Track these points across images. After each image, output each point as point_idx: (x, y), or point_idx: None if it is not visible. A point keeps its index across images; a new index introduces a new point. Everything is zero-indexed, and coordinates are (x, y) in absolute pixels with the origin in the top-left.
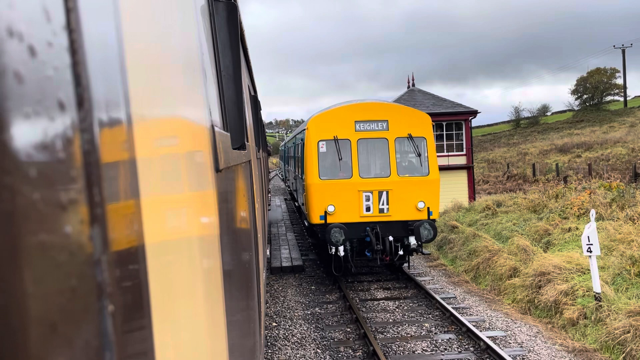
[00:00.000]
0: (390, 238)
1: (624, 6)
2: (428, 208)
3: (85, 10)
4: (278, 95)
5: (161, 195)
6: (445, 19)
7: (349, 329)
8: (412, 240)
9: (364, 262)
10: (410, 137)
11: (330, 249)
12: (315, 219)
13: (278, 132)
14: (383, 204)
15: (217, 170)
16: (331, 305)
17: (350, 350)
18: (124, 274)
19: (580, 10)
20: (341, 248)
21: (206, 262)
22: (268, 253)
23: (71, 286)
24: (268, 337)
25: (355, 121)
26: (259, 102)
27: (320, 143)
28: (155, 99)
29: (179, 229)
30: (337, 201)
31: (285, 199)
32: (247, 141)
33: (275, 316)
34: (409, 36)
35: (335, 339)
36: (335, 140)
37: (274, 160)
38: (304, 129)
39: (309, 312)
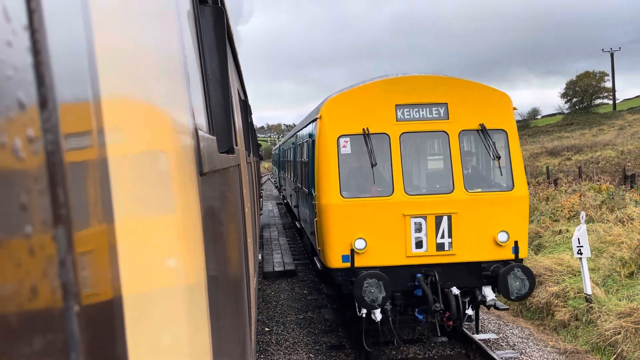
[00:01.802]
0: (456, 291)
1: (611, 10)
2: (516, 243)
3: (51, 10)
4: (269, 100)
5: (136, 197)
6: (431, 23)
7: None
8: (489, 292)
9: (408, 319)
10: (483, 130)
11: (360, 309)
12: (335, 261)
13: (270, 137)
14: (443, 236)
15: (201, 173)
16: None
17: None
18: (94, 275)
19: (566, 14)
20: (378, 310)
21: (188, 265)
22: (260, 258)
23: (32, 286)
24: (260, 343)
25: (396, 105)
26: (249, 106)
27: (342, 140)
28: (130, 101)
29: (155, 231)
30: (370, 232)
31: (278, 204)
32: (236, 145)
33: (267, 321)
34: (396, 40)
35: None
36: (366, 135)
37: (266, 164)
38: (314, 120)
39: (301, 317)
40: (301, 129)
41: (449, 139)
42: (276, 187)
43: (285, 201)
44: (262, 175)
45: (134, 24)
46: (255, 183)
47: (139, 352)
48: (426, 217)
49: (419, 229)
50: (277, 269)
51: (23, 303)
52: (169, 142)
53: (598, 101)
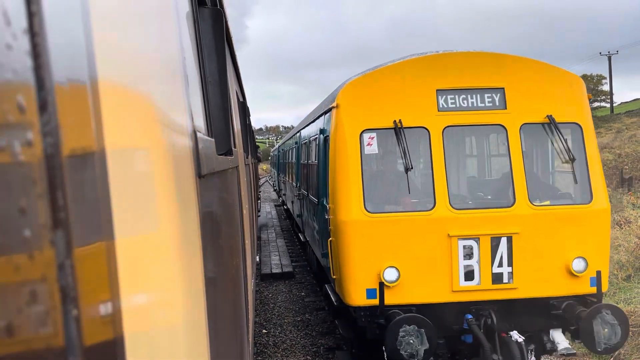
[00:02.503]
0: (518, 337)
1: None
2: (598, 273)
3: (51, 14)
4: (267, 102)
5: (135, 199)
6: (428, 26)
7: None
8: (560, 338)
9: None
10: (552, 124)
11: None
12: (357, 297)
13: (268, 139)
14: (501, 265)
15: (200, 175)
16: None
17: None
18: (93, 278)
19: (564, 17)
20: None
21: (186, 266)
22: (258, 259)
23: (31, 290)
24: (258, 345)
25: (437, 91)
26: (247, 108)
27: (366, 136)
28: (129, 103)
29: (154, 233)
30: (404, 259)
31: (276, 205)
32: (234, 147)
33: (265, 323)
34: (393, 43)
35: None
36: (399, 129)
37: (264, 166)
38: (327, 111)
39: (298, 319)
40: (307, 125)
41: (508, 134)
42: (275, 190)
43: (285, 207)
44: (260, 177)
45: (133, 27)
46: (253, 185)
47: (137, 354)
48: (479, 238)
49: (469, 255)
50: (274, 270)
51: (22, 306)
52: (168, 144)
53: (596, 104)
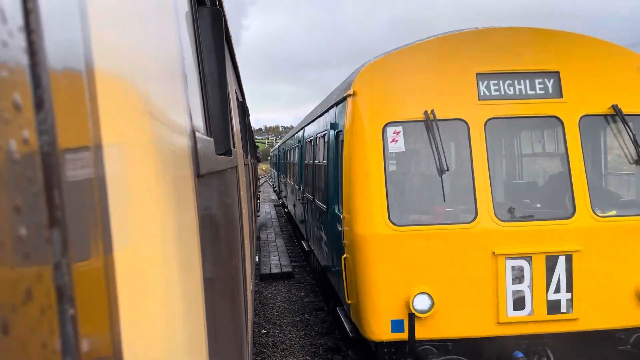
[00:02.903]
0: None
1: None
2: None
3: (48, 11)
4: (267, 102)
5: (133, 199)
6: (428, 26)
7: None
8: None
9: None
10: (618, 115)
11: None
12: (380, 330)
13: (267, 139)
14: (559, 290)
15: (199, 175)
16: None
17: None
18: (89, 278)
19: (563, 17)
20: None
21: (185, 266)
22: (257, 259)
23: (27, 289)
24: (257, 345)
25: (477, 75)
26: (247, 108)
27: (391, 131)
28: (127, 102)
29: (152, 232)
30: (439, 283)
31: (275, 205)
32: (234, 147)
33: (264, 323)
34: (394, 43)
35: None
36: (431, 122)
37: (263, 166)
38: (339, 102)
39: (298, 319)
40: (313, 120)
41: (564, 128)
42: (274, 191)
43: (286, 210)
44: (260, 177)
45: (132, 25)
46: (252, 185)
47: (135, 354)
48: (531, 258)
49: (519, 278)
50: (274, 271)
51: (17, 306)
52: (167, 144)
53: None
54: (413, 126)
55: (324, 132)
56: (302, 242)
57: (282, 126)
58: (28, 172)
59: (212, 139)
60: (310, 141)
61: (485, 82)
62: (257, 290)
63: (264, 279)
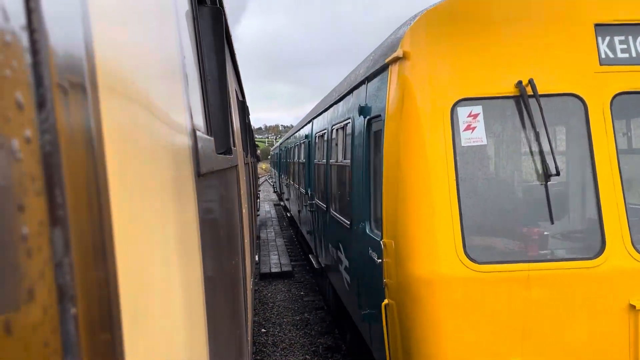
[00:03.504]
0: None
1: None
2: None
3: (50, 10)
4: (267, 101)
5: (134, 198)
6: None
7: None
8: None
9: None
10: None
11: None
12: None
13: (267, 138)
14: None
15: (199, 174)
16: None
17: None
18: (91, 277)
19: None
20: None
21: (185, 265)
22: (257, 259)
23: (29, 288)
24: (256, 344)
25: (595, 27)
26: (247, 107)
27: (464, 113)
28: (128, 101)
29: (154, 232)
30: (546, 351)
31: (275, 205)
32: (234, 146)
33: (264, 322)
34: None
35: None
36: (527, 99)
37: (263, 165)
38: (378, 69)
39: (297, 318)
40: (327, 109)
41: None
42: (275, 191)
43: (288, 214)
44: (260, 176)
45: (133, 24)
46: (252, 184)
47: (136, 354)
48: None
49: None
50: (273, 270)
51: (20, 305)
52: (167, 143)
53: None
54: (499, 105)
55: (346, 122)
56: (310, 257)
57: (282, 125)
58: (30, 171)
59: (213, 138)
60: (322, 135)
61: (608, 39)
62: (257, 289)
63: (263, 278)
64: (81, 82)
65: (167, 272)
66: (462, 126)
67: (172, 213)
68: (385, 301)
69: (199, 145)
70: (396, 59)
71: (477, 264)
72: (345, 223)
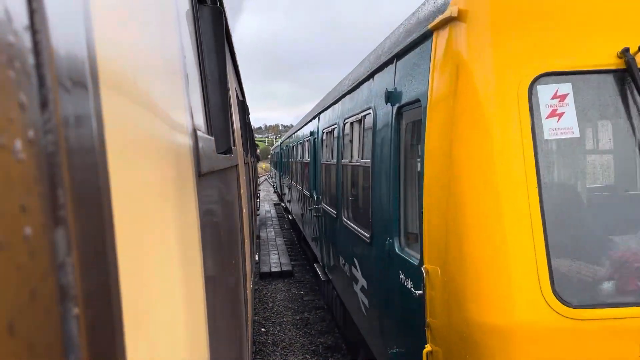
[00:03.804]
0: None
1: None
2: None
3: (52, 11)
4: (267, 101)
5: (135, 198)
6: None
7: None
8: None
9: None
10: None
11: None
12: None
13: (267, 137)
14: None
15: (200, 174)
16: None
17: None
18: (93, 277)
19: None
20: None
21: (185, 265)
22: (257, 258)
23: (31, 289)
24: (257, 343)
25: None
26: (247, 107)
27: (547, 94)
28: (129, 101)
29: (155, 231)
30: None
31: (275, 204)
32: (234, 146)
33: (264, 322)
34: None
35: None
36: (633, 72)
37: (263, 165)
38: (417, 39)
39: (297, 318)
40: (338, 100)
41: None
42: (275, 192)
43: (290, 217)
44: (260, 175)
45: (134, 25)
46: (252, 184)
47: (137, 354)
48: None
49: None
50: (273, 269)
51: (22, 306)
52: (168, 143)
53: None
54: (598, 82)
55: (364, 113)
56: (316, 266)
57: (281, 125)
58: (33, 172)
59: (213, 138)
60: (330, 131)
61: None
62: (257, 288)
63: (263, 277)
64: (83, 83)
65: (168, 271)
66: (544, 112)
67: (173, 213)
68: (428, 347)
69: (200, 145)
70: (445, 22)
71: (571, 308)
72: (364, 236)
